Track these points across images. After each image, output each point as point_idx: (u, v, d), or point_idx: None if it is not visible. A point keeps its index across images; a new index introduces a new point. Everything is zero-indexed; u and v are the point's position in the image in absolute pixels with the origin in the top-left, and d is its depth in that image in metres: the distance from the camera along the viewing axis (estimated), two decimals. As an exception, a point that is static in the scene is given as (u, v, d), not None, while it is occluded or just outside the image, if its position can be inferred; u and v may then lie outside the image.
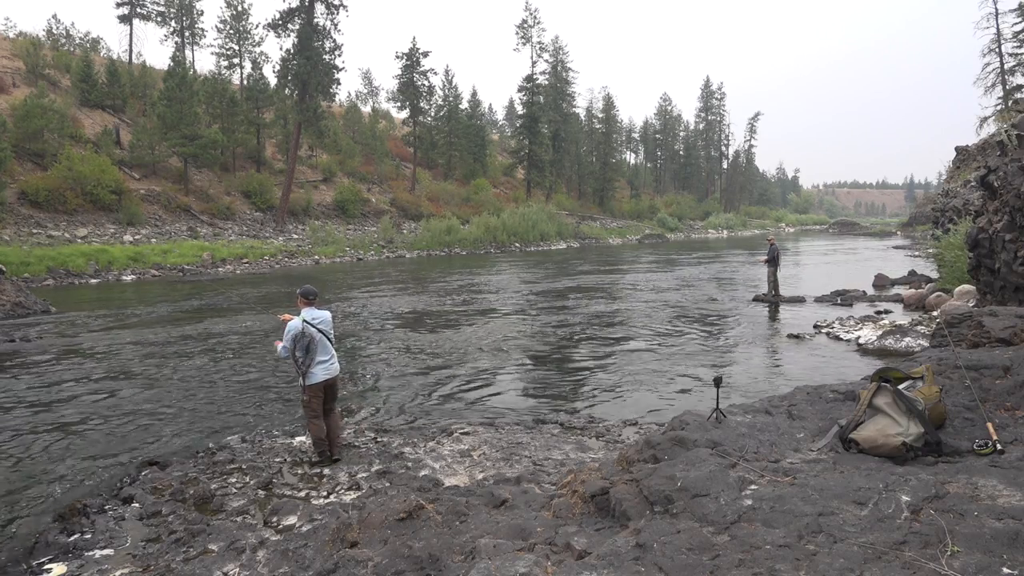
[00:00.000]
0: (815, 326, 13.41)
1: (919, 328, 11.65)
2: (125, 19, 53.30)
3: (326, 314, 6.46)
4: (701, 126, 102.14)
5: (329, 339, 6.36)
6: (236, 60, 50.66)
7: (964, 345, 6.02)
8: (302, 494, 5.66)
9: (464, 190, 57.14)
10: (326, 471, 6.15)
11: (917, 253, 35.11)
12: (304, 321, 6.25)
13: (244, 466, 6.29)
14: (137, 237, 31.88)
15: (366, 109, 73.00)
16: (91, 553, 4.64)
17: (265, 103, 47.45)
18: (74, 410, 8.20)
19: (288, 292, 21.09)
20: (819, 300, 17.39)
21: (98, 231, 30.86)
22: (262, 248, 34.21)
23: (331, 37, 42.67)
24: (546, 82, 66.07)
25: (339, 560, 3.66)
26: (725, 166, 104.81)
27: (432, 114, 61.61)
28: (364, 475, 6.00)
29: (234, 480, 5.98)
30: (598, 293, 20.37)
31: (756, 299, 17.98)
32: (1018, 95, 43.63)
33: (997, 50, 48.54)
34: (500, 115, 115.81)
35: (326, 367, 6.29)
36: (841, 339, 12.13)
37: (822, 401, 4.71)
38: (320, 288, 22.05)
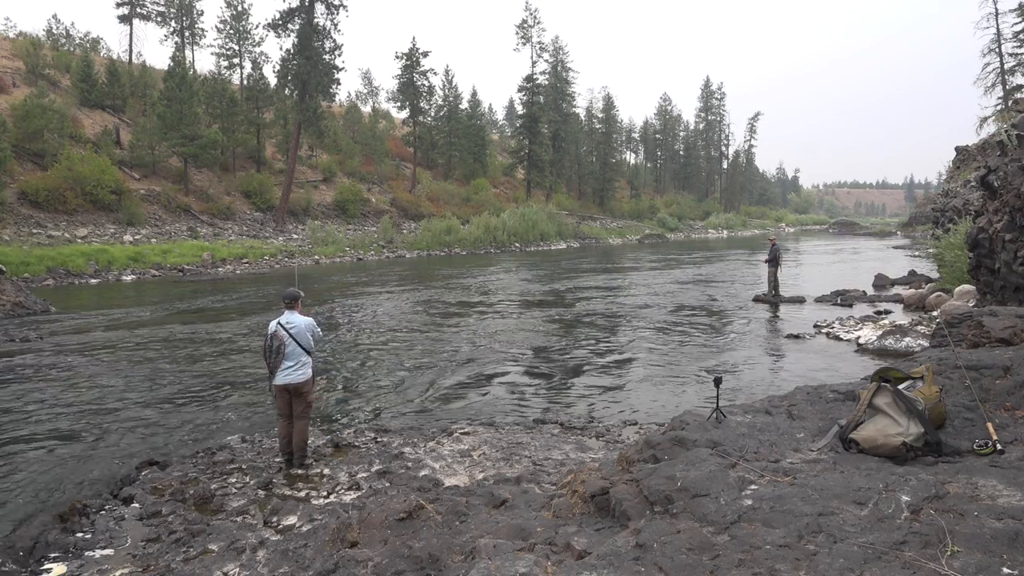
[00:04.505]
0: (815, 326, 13.41)
1: (919, 328, 11.65)
2: (125, 19, 53.26)
3: (302, 322, 6.39)
4: (701, 126, 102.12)
5: (302, 346, 6.30)
6: (236, 60, 50.69)
7: (964, 345, 6.02)
8: (302, 494, 5.66)
9: (464, 190, 57.12)
10: (326, 471, 6.15)
11: (917, 253, 35.11)
12: (278, 323, 6.29)
13: (244, 466, 6.29)
14: (137, 237, 31.87)
15: (366, 109, 73.01)
16: (91, 553, 4.64)
17: (265, 103, 47.42)
18: (74, 410, 8.19)
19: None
20: (819, 300, 17.39)
21: (98, 231, 30.85)
22: (262, 248, 34.19)
23: (331, 37, 42.65)
24: (546, 82, 66.03)
25: (339, 560, 3.66)
26: (725, 166, 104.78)
27: (432, 114, 61.61)
28: (364, 475, 6.01)
29: (234, 480, 5.98)
30: (598, 293, 20.37)
31: (756, 299, 17.98)
32: (1018, 95, 43.61)
33: (997, 50, 48.59)
34: (500, 115, 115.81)
35: (287, 373, 6.25)
36: (841, 339, 12.13)
37: (822, 401, 4.71)
38: (320, 288, 22.06)
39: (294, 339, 6.26)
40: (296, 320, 6.37)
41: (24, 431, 7.38)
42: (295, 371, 6.29)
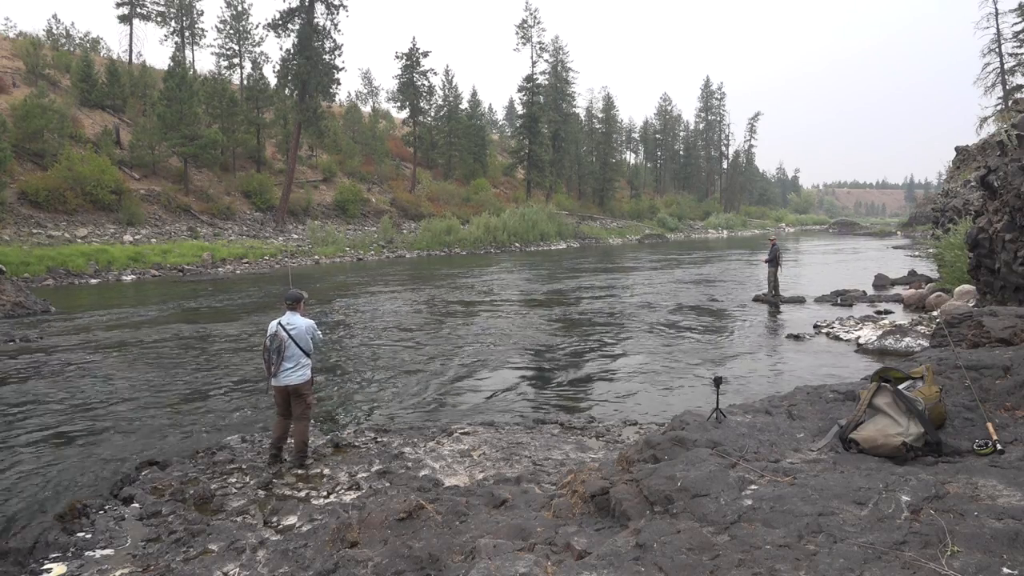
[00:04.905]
0: (815, 326, 13.40)
1: (919, 328, 11.65)
2: (125, 19, 53.27)
3: (303, 323, 6.37)
4: (701, 126, 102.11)
5: (301, 347, 6.28)
6: (236, 60, 50.67)
7: (964, 345, 6.01)
8: (302, 494, 5.66)
9: (464, 190, 57.13)
10: (326, 471, 6.15)
11: (917, 253, 35.11)
12: (279, 324, 6.27)
13: (244, 466, 6.29)
14: (137, 237, 31.87)
15: (366, 109, 73.01)
16: (91, 553, 4.64)
17: (265, 103, 47.42)
18: (74, 410, 8.19)
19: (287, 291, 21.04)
20: (819, 300, 17.40)
21: (98, 231, 30.85)
22: (262, 248, 34.19)
23: (331, 37, 42.66)
24: (546, 82, 66.04)
25: (339, 560, 3.66)
26: (725, 166, 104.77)
27: (432, 114, 61.61)
28: (364, 475, 6.01)
29: (234, 480, 5.98)
30: (598, 293, 20.37)
31: (756, 299, 17.98)
32: (1018, 95, 43.60)
33: (997, 50, 48.60)
34: (500, 115, 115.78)
35: (285, 374, 6.22)
36: (841, 339, 12.13)
37: (822, 401, 4.70)
38: (320, 288, 22.05)
39: (294, 340, 6.24)
40: (297, 321, 6.36)
41: (24, 431, 7.38)
42: (294, 372, 6.27)
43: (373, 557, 3.59)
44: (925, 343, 9.97)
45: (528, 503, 4.23)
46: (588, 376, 9.98)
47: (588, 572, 2.75)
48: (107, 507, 5.40)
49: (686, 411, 4.81)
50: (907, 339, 10.89)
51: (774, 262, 17.61)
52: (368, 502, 4.86)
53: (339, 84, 44.46)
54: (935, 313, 12.78)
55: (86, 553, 4.63)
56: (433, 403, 8.66)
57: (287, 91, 44.35)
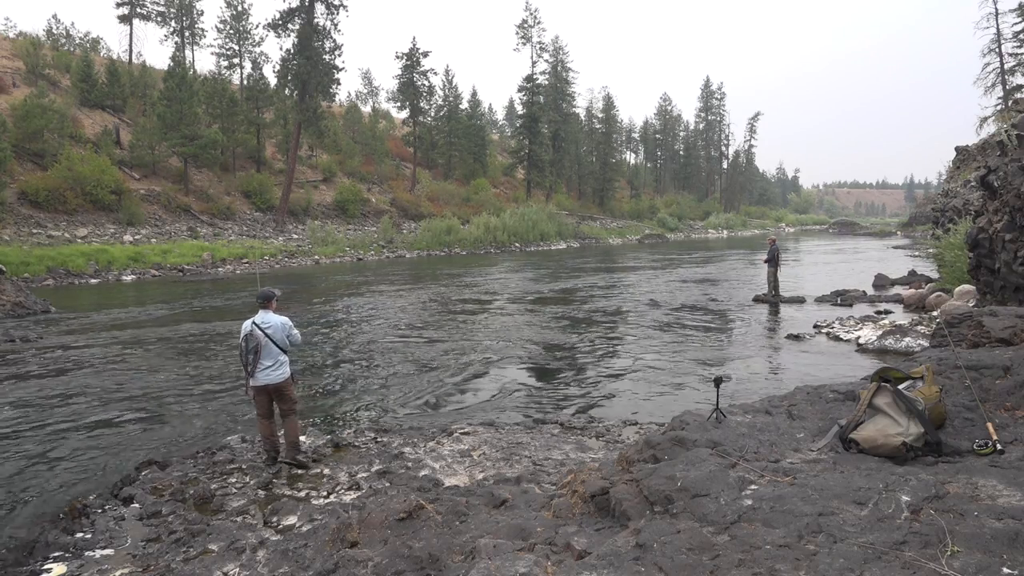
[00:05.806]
0: (815, 326, 13.40)
1: (919, 328, 11.65)
2: (125, 19, 53.27)
3: (277, 321, 6.34)
4: (701, 126, 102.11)
5: (278, 345, 6.25)
6: (236, 60, 50.68)
7: (964, 345, 6.01)
8: (302, 494, 5.66)
9: (464, 190, 57.14)
10: (326, 471, 6.15)
11: (917, 253, 35.10)
12: (253, 323, 6.24)
13: (244, 466, 6.29)
14: (137, 237, 31.87)
15: (366, 109, 73.03)
16: (91, 553, 4.64)
17: (265, 103, 47.43)
18: (73, 410, 8.19)
19: (287, 292, 21.08)
20: (819, 300, 17.39)
21: (98, 231, 30.85)
22: (262, 248, 34.20)
23: (331, 37, 42.68)
24: (546, 82, 66.04)
25: (339, 560, 3.66)
26: (725, 166, 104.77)
27: (432, 114, 61.64)
28: (364, 475, 6.01)
29: (234, 480, 5.98)
30: (598, 293, 20.37)
31: (756, 299, 17.98)
32: (1018, 95, 43.59)
33: (997, 50, 48.60)
34: (500, 115, 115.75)
35: (265, 373, 6.20)
36: (841, 339, 12.13)
37: (822, 401, 4.70)
38: (320, 288, 22.06)
39: (270, 339, 6.20)
40: (271, 319, 6.31)
41: (23, 431, 7.38)
42: (273, 371, 6.23)
43: (373, 557, 3.60)
44: (925, 343, 9.96)
45: (528, 503, 4.23)
46: (588, 376, 9.98)
47: (588, 572, 2.75)
48: (107, 507, 5.40)
49: (686, 411, 4.81)
50: (907, 339, 10.89)
51: (774, 262, 17.60)
52: (368, 502, 4.86)
53: (339, 84, 44.54)
54: (935, 313, 12.78)
55: (86, 553, 4.63)
56: (433, 403, 8.66)
57: (287, 91, 44.36)
